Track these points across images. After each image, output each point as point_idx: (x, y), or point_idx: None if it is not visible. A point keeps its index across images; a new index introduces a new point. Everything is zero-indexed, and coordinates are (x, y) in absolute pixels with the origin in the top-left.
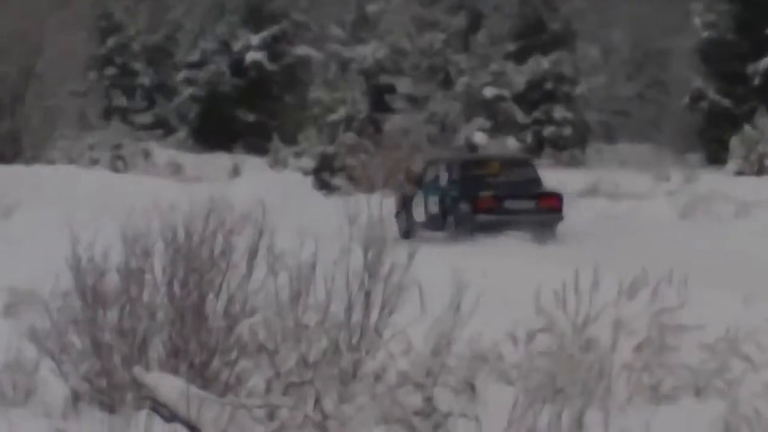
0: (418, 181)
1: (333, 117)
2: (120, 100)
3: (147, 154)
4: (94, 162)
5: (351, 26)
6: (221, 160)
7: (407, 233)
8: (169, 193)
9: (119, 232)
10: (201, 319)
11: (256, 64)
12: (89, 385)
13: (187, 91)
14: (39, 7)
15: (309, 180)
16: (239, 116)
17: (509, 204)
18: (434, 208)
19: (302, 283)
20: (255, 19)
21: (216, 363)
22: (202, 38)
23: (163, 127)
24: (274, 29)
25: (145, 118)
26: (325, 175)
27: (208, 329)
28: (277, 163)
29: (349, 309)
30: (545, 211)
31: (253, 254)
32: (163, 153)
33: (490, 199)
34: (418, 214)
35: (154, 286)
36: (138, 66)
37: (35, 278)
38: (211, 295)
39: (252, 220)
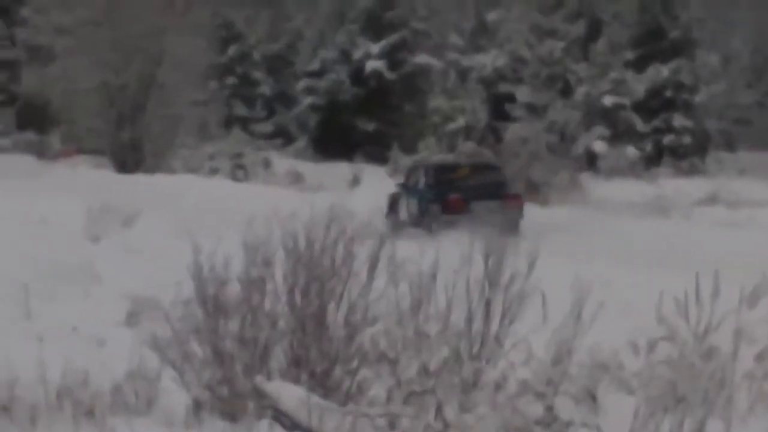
0: (403, 186)
1: (452, 126)
2: (240, 110)
3: (267, 164)
4: (215, 171)
5: (470, 34)
6: (341, 169)
7: (394, 230)
8: (289, 202)
9: (240, 241)
10: (322, 328)
11: (376, 73)
12: (211, 393)
13: (307, 100)
14: (160, 17)
15: None
16: (359, 125)
17: (474, 205)
18: (414, 209)
19: (423, 291)
20: (375, 28)
21: (337, 372)
22: (322, 47)
23: (283, 136)
24: (394, 38)
25: (265, 127)
26: None
27: (329, 338)
28: (397, 172)
29: (469, 318)
30: (508, 211)
31: (374, 263)
32: (283, 162)
33: (458, 200)
34: (403, 213)
35: (275, 295)
36: (258, 75)
37: (157, 287)
38: (332, 304)
39: (372, 228)
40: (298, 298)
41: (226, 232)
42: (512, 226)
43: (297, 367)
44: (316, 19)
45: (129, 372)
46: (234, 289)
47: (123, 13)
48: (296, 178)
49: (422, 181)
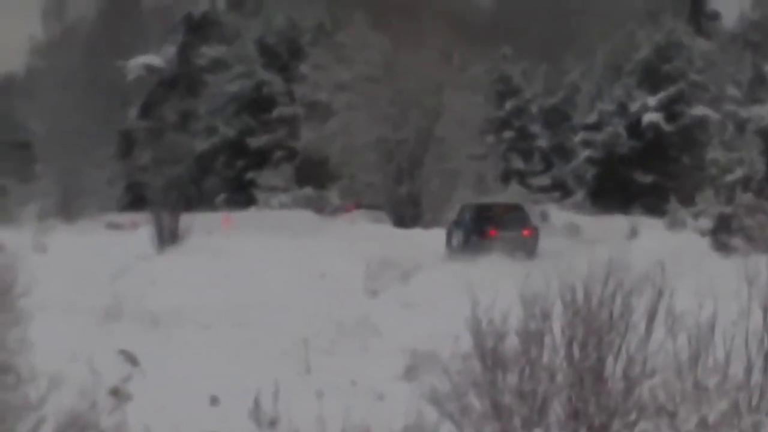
0: (455, 223)
1: (730, 177)
2: (517, 163)
3: (545, 217)
4: None
5: (748, 86)
6: (618, 221)
7: (450, 256)
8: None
9: (518, 294)
10: (600, 381)
11: (653, 125)
12: None
13: (584, 153)
14: (438, 72)
15: (706, 241)
16: (636, 178)
17: (503, 234)
18: (461, 238)
19: (701, 343)
20: (652, 80)
21: (615, 425)
22: (599, 100)
23: (560, 190)
24: (671, 90)
25: (543, 181)
26: (722, 236)
27: (607, 391)
28: (675, 224)
29: (748, 369)
30: (528, 238)
31: (652, 315)
32: (560, 215)
33: (496, 228)
34: (455, 241)
35: (553, 348)
36: (535, 128)
37: (435, 340)
38: (610, 357)
39: (650, 281)
40: (576, 351)
41: (504, 285)
42: (531, 250)
43: (575, 420)
44: (593, 72)
45: (407, 426)
46: (512, 343)
47: (401, 68)
48: (573, 231)
49: (468, 216)
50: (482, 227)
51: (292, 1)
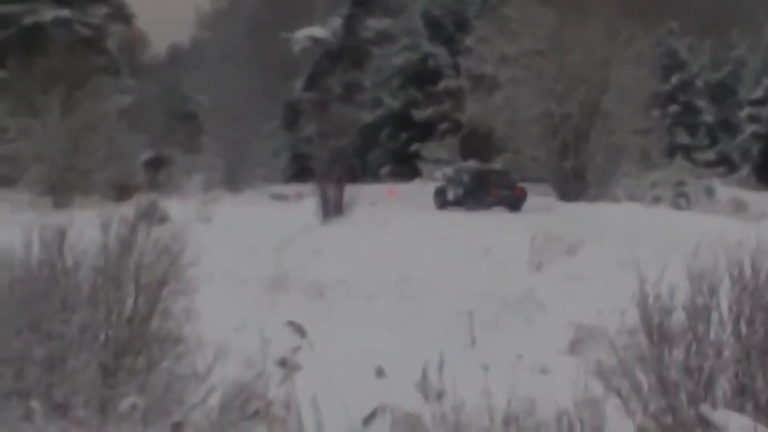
0: (450, 181)
1: None
2: (682, 138)
3: (710, 192)
4: (657, 199)
5: None
6: None
7: (441, 207)
8: (733, 230)
9: (685, 269)
10: (767, 356)
11: None
12: (655, 422)
13: (750, 128)
14: (604, 47)
15: None
16: None
17: (501, 192)
18: (459, 193)
19: None
20: None
21: None
22: (765, 75)
23: (725, 165)
24: None
25: (708, 156)
26: None
27: None
28: None
29: None
30: (519, 196)
31: None
32: (725, 190)
33: (495, 188)
34: (450, 197)
35: (720, 324)
36: (701, 103)
37: (601, 315)
38: None
39: None
40: (743, 327)
41: (671, 260)
42: (518, 205)
43: (742, 396)
44: (760, 47)
45: (575, 400)
46: (679, 318)
47: (567, 43)
48: (739, 206)
49: (467, 178)
50: (485, 186)
51: None
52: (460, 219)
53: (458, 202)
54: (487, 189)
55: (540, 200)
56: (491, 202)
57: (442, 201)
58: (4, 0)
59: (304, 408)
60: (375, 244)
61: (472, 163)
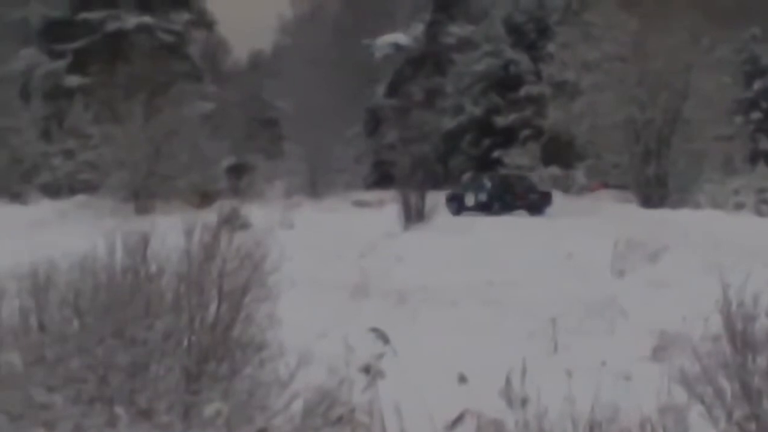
0: (466, 187)
1: None
2: (765, 144)
3: None
4: (739, 206)
5: None
6: None
7: (457, 213)
8: None
9: None
10: None
11: None
12: (738, 429)
13: None
14: (686, 53)
15: None
16: None
17: (527, 195)
18: (482, 198)
19: None
20: None
21: None
22: None
23: None
24: None
25: None
26: None
27: None
28: None
29: None
30: (543, 200)
31: None
32: None
33: (522, 193)
34: (468, 202)
35: None
36: None
37: (683, 322)
38: None
39: None
40: None
41: (754, 267)
42: (542, 209)
43: None
44: None
45: (659, 407)
46: (763, 325)
47: (650, 48)
48: None
49: (489, 183)
50: (511, 190)
51: None
52: (541, 224)
53: (480, 207)
54: (513, 193)
55: (621, 206)
56: (518, 205)
57: (457, 207)
58: (88, 7)
59: (387, 414)
60: (456, 249)
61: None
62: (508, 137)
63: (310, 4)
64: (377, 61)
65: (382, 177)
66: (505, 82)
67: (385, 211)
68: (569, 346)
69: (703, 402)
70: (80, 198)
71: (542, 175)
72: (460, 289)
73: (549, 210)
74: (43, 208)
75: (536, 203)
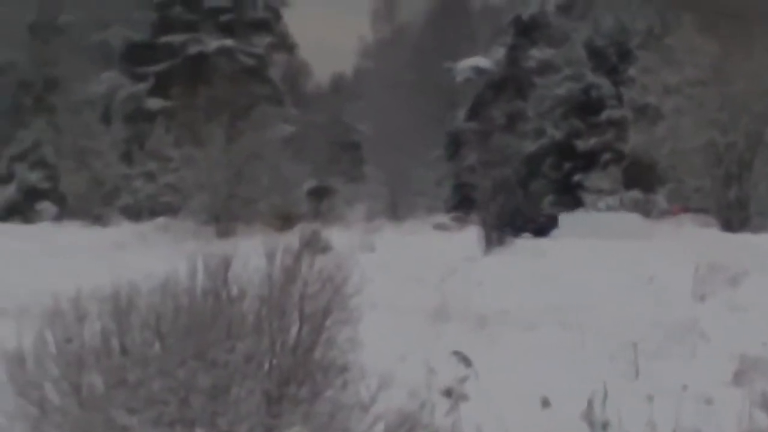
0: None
1: None
2: None
3: None
4: None
5: None
6: None
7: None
8: None
9: None
10: None
11: None
12: None
13: None
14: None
15: None
16: None
17: (533, 219)
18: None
19: None
20: None
21: None
22: None
23: None
24: None
25: None
26: None
27: None
28: None
29: None
30: (548, 223)
31: None
32: None
33: (530, 216)
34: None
35: None
36: None
37: (765, 346)
38: None
39: None
40: None
41: None
42: (547, 232)
43: None
44: None
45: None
46: None
47: (731, 72)
48: None
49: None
50: (522, 215)
51: (621, 4)
52: (620, 248)
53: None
54: (523, 216)
55: (702, 230)
56: (527, 228)
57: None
58: (169, 30)
59: None
60: (536, 272)
61: None
62: (589, 161)
63: (391, 27)
64: (458, 85)
65: (463, 200)
66: (586, 106)
67: (465, 234)
68: (650, 370)
69: None
70: (161, 221)
71: (623, 199)
72: (539, 312)
73: (554, 232)
74: (123, 230)
75: (543, 226)
